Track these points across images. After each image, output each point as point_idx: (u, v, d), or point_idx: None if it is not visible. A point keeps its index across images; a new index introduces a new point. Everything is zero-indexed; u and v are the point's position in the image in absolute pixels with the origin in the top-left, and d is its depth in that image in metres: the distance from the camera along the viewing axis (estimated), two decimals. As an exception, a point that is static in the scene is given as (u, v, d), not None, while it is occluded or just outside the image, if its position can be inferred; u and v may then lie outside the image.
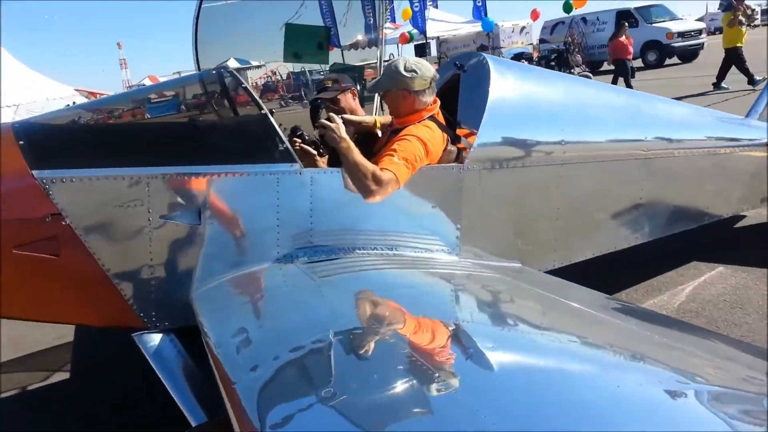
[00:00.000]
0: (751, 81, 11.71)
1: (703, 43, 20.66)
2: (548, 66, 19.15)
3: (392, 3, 16.69)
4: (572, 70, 18.19)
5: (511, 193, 3.01)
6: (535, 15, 22.94)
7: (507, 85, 3.09)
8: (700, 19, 28.62)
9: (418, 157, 2.69)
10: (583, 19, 22.15)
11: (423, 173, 2.72)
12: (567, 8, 22.62)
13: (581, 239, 3.26)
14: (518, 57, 22.48)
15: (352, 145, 2.62)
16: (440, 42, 25.42)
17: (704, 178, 3.71)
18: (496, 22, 24.28)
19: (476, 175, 2.88)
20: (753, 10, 13.07)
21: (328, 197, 2.67)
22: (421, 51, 25.41)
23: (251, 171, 2.57)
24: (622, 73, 14.39)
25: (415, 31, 22.26)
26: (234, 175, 2.54)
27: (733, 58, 11.99)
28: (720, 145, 3.75)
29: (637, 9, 21.84)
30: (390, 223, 2.75)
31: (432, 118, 2.90)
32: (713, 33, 28.19)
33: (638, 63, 21.07)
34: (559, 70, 18.67)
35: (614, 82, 14.30)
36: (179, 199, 2.46)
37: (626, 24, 15.64)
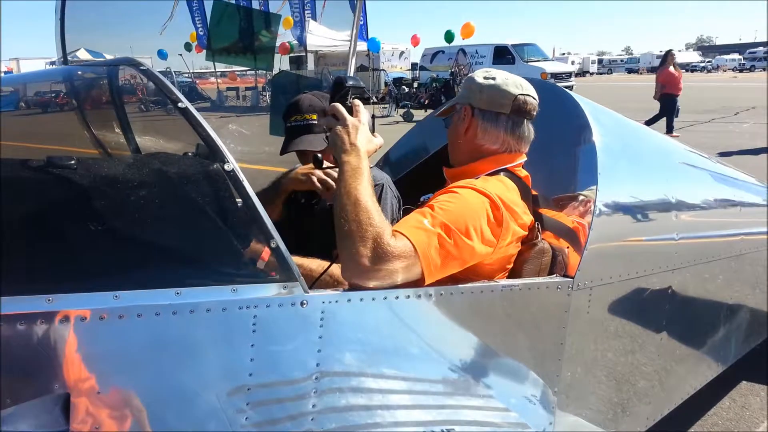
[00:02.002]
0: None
1: (572, 86, 21.65)
2: (431, 96, 18.76)
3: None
4: (457, 101, 17.91)
5: (617, 322, 1.85)
6: (415, 41, 22.63)
7: (613, 144, 1.95)
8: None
9: (474, 232, 1.47)
10: (462, 50, 22.28)
11: (497, 294, 1.48)
12: (449, 38, 22.70)
13: (677, 379, 2.19)
14: (398, 81, 22.04)
15: (364, 162, 1.44)
16: (318, 57, 24.21)
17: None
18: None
19: (586, 297, 1.68)
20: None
21: (351, 342, 1.32)
22: (297, 64, 24.02)
23: (197, 304, 1.15)
24: (669, 111, 11.41)
25: (295, 42, 20.85)
26: (156, 315, 1.11)
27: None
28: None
29: (513, 46, 22.41)
30: (446, 388, 1.46)
31: (511, 173, 1.68)
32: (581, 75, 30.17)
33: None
34: (445, 101, 18.42)
35: (651, 123, 11.06)
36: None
37: (674, 53, 11.81)
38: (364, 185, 1.40)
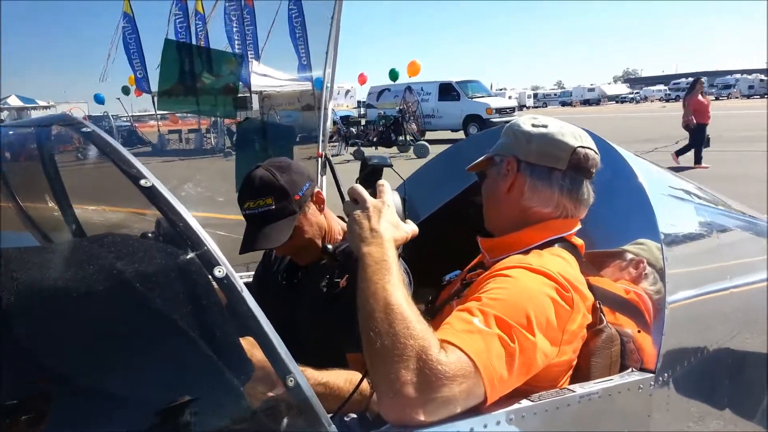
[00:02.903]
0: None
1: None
2: (380, 133, 18.63)
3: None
4: (407, 138, 17.83)
5: (699, 409, 1.51)
6: (362, 79, 22.66)
7: (657, 186, 1.66)
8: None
9: (541, 328, 1.12)
10: (409, 87, 22.41)
11: (574, 407, 1.15)
12: (393, 76, 22.82)
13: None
14: (345, 119, 21.89)
15: (389, 253, 1.12)
16: (263, 97, 23.83)
17: None
18: (320, 82, 23.52)
19: (666, 392, 1.34)
20: None
21: None
22: (243, 104, 23.56)
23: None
24: (699, 141, 10.96)
25: (239, 82, 20.43)
26: None
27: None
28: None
29: (458, 83, 22.69)
30: None
31: (567, 244, 1.36)
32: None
33: (461, 135, 21.78)
34: (395, 138, 18.32)
35: (681, 153, 11.10)
36: None
37: (703, 80, 11.40)
38: (394, 282, 1.05)
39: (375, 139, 18.61)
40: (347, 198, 1.24)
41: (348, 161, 16.16)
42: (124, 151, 0.93)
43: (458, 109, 21.72)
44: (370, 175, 1.29)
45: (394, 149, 18.02)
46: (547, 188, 1.36)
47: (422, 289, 1.67)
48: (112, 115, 22.47)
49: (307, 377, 1.43)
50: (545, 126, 1.41)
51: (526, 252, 1.31)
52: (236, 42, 19.84)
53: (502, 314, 1.08)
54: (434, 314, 1.37)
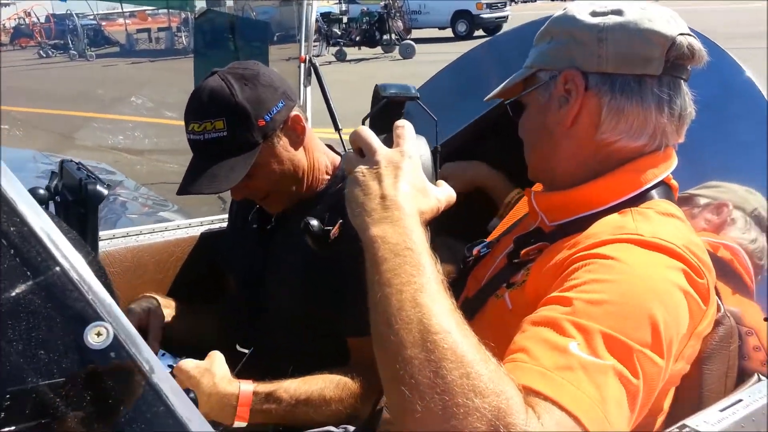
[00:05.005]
0: None
1: (507, 16, 20.84)
2: (364, 32, 17.52)
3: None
4: (392, 36, 16.79)
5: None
6: (342, -29, 21.05)
7: None
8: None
9: (667, 339, 0.73)
10: (392, -20, 20.91)
11: None
12: (377, -33, 21.18)
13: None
14: (326, 16, 20.56)
15: (414, 236, 0.71)
16: (238, -8, 22.16)
17: None
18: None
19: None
20: None
21: None
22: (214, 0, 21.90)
23: None
24: None
25: (209, -25, 18.85)
26: None
27: None
28: None
29: (444, -26, 21.21)
30: None
31: (667, 189, 0.95)
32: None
33: (448, 33, 20.64)
34: (379, 37, 17.21)
35: None
36: None
37: None
38: (431, 290, 0.66)
39: (358, 38, 17.55)
40: (344, 137, 0.85)
41: (330, 62, 15.28)
42: None
43: (446, 4, 20.40)
44: (385, 113, 0.85)
45: (379, 49, 17.06)
46: (639, 107, 0.91)
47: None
48: (76, 14, 20.90)
49: (280, 397, 1.10)
50: (619, 12, 0.94)
51: (617, 211, 0.90)
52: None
53: (613, 329, 0.70)
54: (472, 313, 0.98)
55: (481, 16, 20.01)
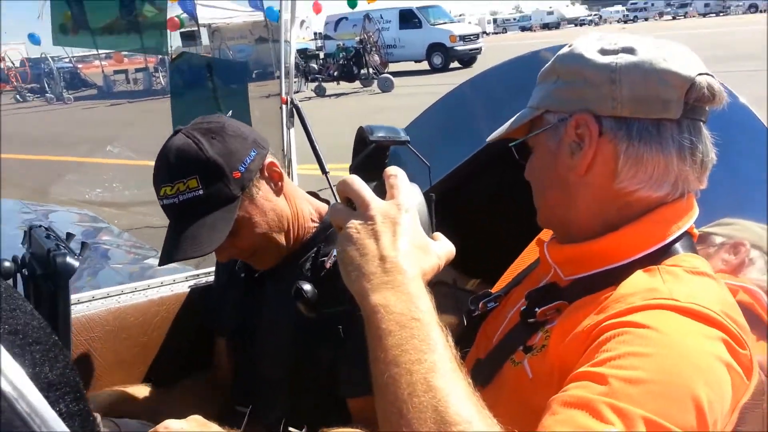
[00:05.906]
0: None
1: (480, 48, 21.23)
2: (341, 67, 17.66)
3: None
4: (369, 71, 16.94)
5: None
6: (317, 8, 21.26)
7: None
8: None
9: (711, 418, 0.65)
10: (367, 16, 21.26)
11: None
12: (351, 3, 21.52)
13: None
14: (302, 53, 20.73)
15: (420, 302, 0.63)
16: (213, 31, 22.29)
17: None
18: (273, 12, 22.11)
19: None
20: None
21: None
22: (190, 40, 22.02)
23: None
24: None
25: (185, 15, 18.96)
26: None
27: None
28: None
29: (419, 9, 21.67)
30: None
31: (690, 241, 0.87)
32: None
33: (425, 66, 20.93)
34: (357, 72, 17.34)
35: None
36: None
37: None
38: (444, 370, 0.59)
39: (336, 74, 17.69)
40: (333, 184, 0.78)
41: (310, 98, 15.33)
42: None
43: (421, 37, 20.79)
44: (373, 158, 0.76)
45: (357, 83, 17.20)
46: (659, 155, 0.83)
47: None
48: (51, 57, 20.79)
49: None
50: (631, 50, 0.85)
51: (640, 266, 0.82)
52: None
53: (655, 413, 0.61)
54: (486, 378, 0.89)
55: (455, 48, 20.36)
